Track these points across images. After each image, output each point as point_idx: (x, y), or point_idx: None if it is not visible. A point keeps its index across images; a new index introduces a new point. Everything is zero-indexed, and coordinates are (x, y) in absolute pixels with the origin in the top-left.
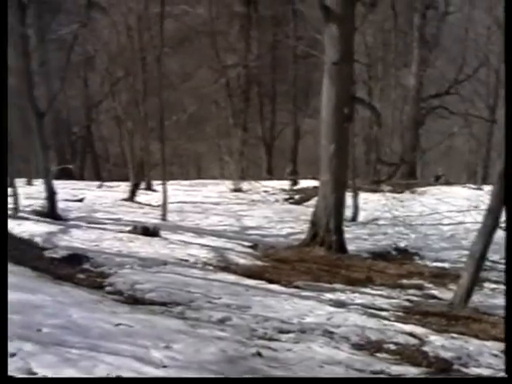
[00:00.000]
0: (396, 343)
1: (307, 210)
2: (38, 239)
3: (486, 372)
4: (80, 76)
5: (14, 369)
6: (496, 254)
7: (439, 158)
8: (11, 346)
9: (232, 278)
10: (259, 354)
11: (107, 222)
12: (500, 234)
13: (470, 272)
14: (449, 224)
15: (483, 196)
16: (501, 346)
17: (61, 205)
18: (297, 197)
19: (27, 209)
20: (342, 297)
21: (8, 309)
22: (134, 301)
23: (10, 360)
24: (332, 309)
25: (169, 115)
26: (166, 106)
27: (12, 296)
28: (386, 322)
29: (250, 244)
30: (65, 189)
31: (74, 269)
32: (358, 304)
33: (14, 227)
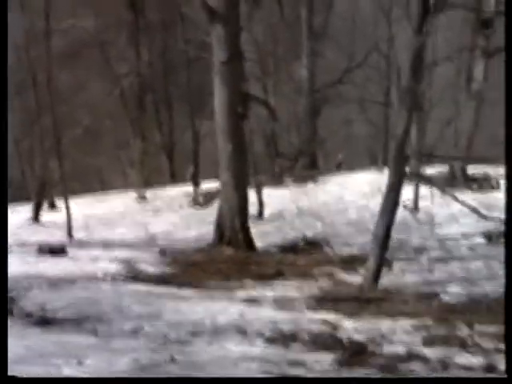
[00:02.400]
0: (309, 332)
1: (212, 211)
2: None
3: (399, 349)
4: None
5: None
6: (402, 233)
7: (340, 146)
8: None
9: (142, 287)
10: (173, 360)
11: (12, 245)
12: (403, 214)
13: (375, 254)
14: (354, 209)
15: (385, 179)
16: (412, 322)
17: None
18: (201, 200)
19: None
20: (253, 293)
21: None
22: (45, 322)
23: None
24: (243, 306)
25: (65, 131)
26: (60, 121)
27: None
28: (298, 312)
29: (158, 251)
30: None
31: None
32: (269, 298)
33: None
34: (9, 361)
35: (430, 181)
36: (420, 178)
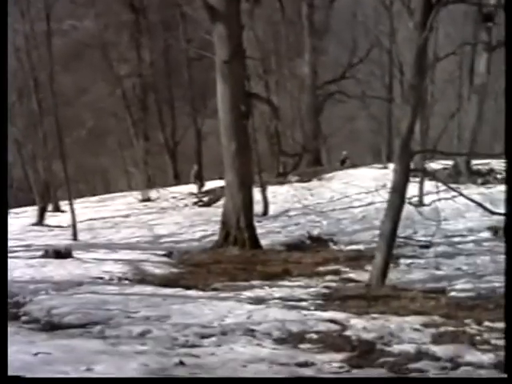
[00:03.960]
0: (318, 332)
1: (217, 211)
2: None
3: (408, 347)
4: None
5: None
6: (409, 229)
7: (344, 142)
8: None
9: (149, 289)
10: (181, 363)
11: (17, 249)
12: (410, 209)
13: (382, 251)
14: (359, 206)
15: (389, 174)
16: (421, 319)
17: None
18: (206, 199)
19: None
20: (261, 293)
21: None
22: (52, 327)
23: None
24: (251, 306)
25: (68, 132)
26: (64, 123)
27: None
28: (306, 312)
29: (164, 252)
30: None
31: None
32: (276, 298)
33: None
34: (16, 368)
35: (434, 176)
36: (424, 174)
